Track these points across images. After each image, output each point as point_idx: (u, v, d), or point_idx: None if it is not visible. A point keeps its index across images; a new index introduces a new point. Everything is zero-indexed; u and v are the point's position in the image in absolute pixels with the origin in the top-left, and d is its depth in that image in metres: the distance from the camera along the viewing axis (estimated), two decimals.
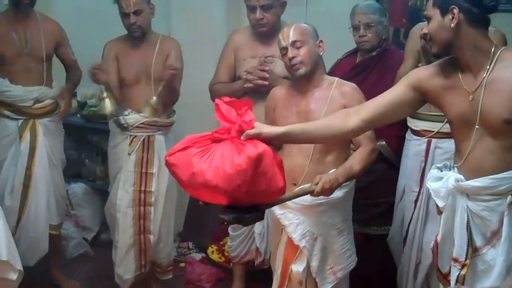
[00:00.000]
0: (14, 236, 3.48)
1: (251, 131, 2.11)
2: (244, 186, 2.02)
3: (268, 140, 2.15)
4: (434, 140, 3.06)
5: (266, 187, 2.09)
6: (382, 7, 3.50)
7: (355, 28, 3.39)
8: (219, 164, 2.01)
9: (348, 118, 2.29)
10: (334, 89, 2.75)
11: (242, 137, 2.08)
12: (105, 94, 3.36)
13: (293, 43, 2.70)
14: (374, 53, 3.41)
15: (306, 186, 2.57)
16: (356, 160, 2.69)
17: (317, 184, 2.53)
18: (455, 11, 2.07)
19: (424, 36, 2.21)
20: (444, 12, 2.10)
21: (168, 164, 2.15)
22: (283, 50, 2.75)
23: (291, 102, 2.81)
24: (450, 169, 2.30)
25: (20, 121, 3.63)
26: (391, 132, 3.28)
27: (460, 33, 2.10)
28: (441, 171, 2.31)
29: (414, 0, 3.84)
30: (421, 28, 2.75)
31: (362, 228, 3.46)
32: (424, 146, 3.11)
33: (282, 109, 2.84)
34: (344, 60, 3.59)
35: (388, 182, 3.36)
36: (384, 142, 3.36)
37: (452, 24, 2.08)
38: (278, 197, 2.23)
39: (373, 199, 3.45)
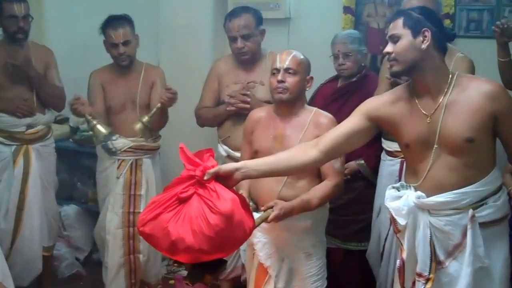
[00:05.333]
0: (9, 258, 3.58)
1: (211, 170, 2.12)
2: (227, 242, 2.09)
3: (228, 174, 2.19)
4: None
5: (242, 233, 2.15)
6: (361, 36, 3.61)
7: (335, 56, 3.51)
8: (197, 228, 2.03)
9: (308, 150, 2.36)
10: (311, 119, 2.79)
11: (205, 177, 2.11)
12: (94, 122, 3.41)
13: (287, 69, 2.75)
14: (354, 79, 3.52)
15: (263, 214, 2.55)
16: (317, 195, 2.67)
17: (271, 208, 2.55)
18: (428, 33, 2.19)
19: (387, 55, 2.26)
20: (416, 34, 2.19)
21: (144, 235, 2.15)
22: (275, 70, 2.79)
23: (269, 125, 2.85)
24: (407, 188, 2.37)
25: (14, 146, 3.70)
26: (370, 151, 3.39)
27: (427, 55, 2.21)
28: (398, 190, 2.39)
29: None
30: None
31: (343, 244, 3.55)
32: (397, 166, 3.20)
33: (260, 131, 2.87)
34: (326, 85, 3.70)
35: (367, 200, 3.44)
36: (363, 161, 3.47)
37: (423, 46, 2.19)
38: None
39: (353, 216, 3.52)
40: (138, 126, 3.46)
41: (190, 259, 2.12)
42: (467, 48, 3.24)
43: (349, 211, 3.50)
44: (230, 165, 2.25)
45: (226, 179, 2.20)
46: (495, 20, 3.59)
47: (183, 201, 2.11)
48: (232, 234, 2.10)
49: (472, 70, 3.03)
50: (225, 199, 2.08)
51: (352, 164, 3.47)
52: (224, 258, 2.25)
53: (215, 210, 2.05)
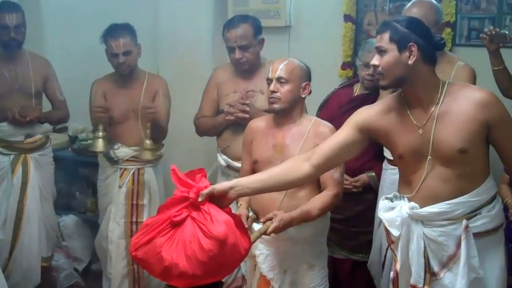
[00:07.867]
0: (7, 268, 3.59)
1: (205, 191, 2.11)
2: (221, 266, 2.07)
3: (223, 194, 2.18)
4: None
5: (237, 256, 2.14)
6: None
7: (365, 65, 3.36)
8: (190, 253, 2.02)
9: (300, 165, 2.34)
10: (311, 128, 2.76)
11: (199, 199, 2.09)
12: (100, 134, 3.44)
13: (278, 78, 2.72)
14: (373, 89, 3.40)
15: (262, 227, 2.52)
16: (317, 206, 2.64)
17: (270, 219, 2.52)
18: (414, 48, 2.14)
19: (373, 67, 2.24)
20: (402, 49, 2.15)
21: (137, 260, 2.14)
22: (268, 81, 2.77)
23: (268, 134, 2.82)
24: (400, 199, 2.35)
25: (12, 156, 3.71)
26: (380, 164, 3.34)
27: (414, 70, 2.17)
28: (392, 201, 2.37)
29: None
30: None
31: (351, 255, 3.53)
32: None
33: (259, 140, 2.84)
34: (341, 91, 3.62)
35: (376, 212, 3.35)
36: (374, 174, 3.42)
37: (410, 62, 2.15)
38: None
39: (362, 227, 3.47)
40: (146, 153, 3.51)
41: (184, 284, 2.09)
42: (468, 57, 3.23)
43: (358, 222, 3.47)
44: (223, 185, 2.24)
45: (221, 199, 2.19)
46: None
47: (176, 224, 2.09)
48: (226, 258, 2.08)
49: (473, 78, 3.00)
50: (219, 222, 2.07)
51: (363, 177, 3.44)
52: None
53: (208, 234, 2.04)
